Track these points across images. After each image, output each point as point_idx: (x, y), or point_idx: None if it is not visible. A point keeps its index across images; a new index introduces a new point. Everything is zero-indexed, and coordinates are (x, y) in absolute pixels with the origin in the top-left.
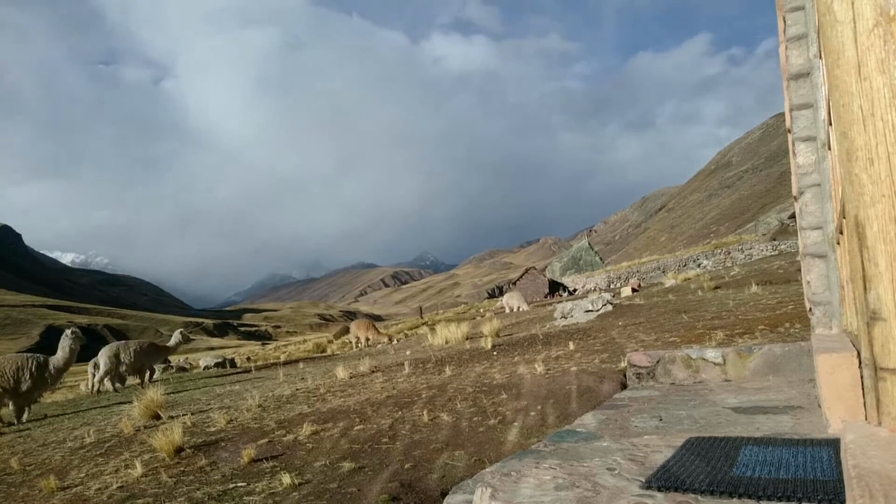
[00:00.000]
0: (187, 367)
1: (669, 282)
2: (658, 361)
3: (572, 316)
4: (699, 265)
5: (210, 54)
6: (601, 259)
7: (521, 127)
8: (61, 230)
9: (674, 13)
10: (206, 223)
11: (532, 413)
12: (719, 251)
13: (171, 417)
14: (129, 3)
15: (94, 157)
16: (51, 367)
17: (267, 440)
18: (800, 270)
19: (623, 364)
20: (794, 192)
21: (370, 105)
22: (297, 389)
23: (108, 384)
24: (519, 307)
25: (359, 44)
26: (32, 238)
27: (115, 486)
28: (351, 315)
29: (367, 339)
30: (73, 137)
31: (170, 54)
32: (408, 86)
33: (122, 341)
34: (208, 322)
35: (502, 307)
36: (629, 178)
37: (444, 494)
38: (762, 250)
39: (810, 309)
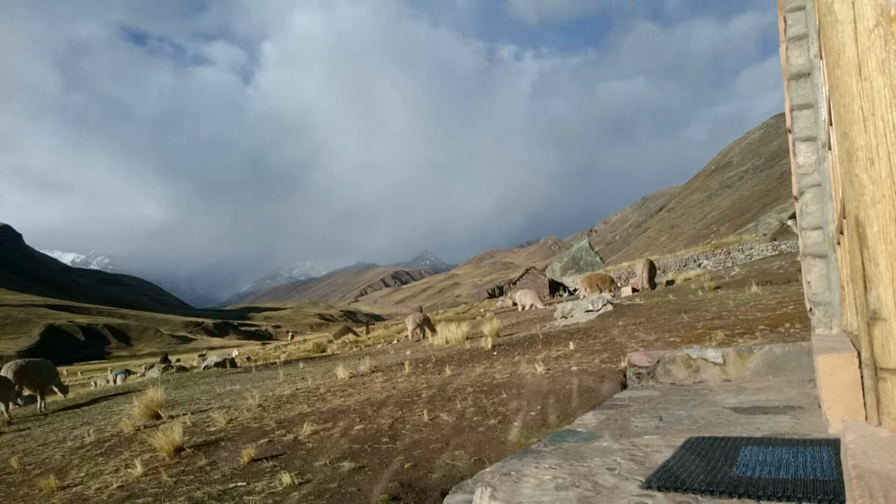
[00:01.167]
0: (187, 366)
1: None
2: (658, 361)
3: (572, 316)
4: (699, 265)
5: (300, 48)
6: (601, 259)
7: (613, 130)
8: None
9: None
10: (267, 221)
11: (532, 413)
12: (720, 251)
13: (172, 417)
14: None
15: (184, 156)
16: None
17: (267, 440)
18: (800, 270)
19: (623, 364)
20: (795, 192)
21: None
22: (297, 389)
23: None
24: (532, 305)
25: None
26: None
27: (115, 486)
28: (351, 315)
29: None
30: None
31: (257, 44)
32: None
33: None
34: (208, 322)
35: (503, 306)
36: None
37: (444, 494)
38: (762, 250)
39: (810, 309)
